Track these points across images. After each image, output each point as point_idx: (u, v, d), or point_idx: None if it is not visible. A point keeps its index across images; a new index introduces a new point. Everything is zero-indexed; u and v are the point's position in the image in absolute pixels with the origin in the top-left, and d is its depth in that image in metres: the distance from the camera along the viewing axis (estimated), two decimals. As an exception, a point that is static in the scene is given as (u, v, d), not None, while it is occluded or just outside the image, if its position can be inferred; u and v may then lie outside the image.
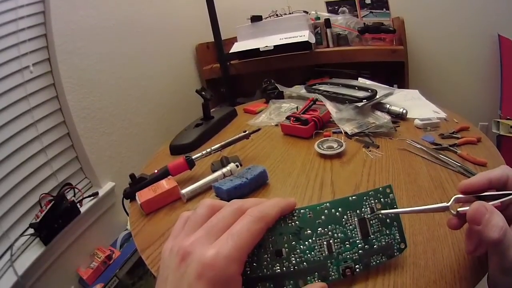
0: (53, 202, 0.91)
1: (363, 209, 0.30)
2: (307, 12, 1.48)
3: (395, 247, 0.30)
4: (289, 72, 1.57)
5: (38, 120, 0.96)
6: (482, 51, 1.53)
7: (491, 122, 1.33)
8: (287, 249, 0.27)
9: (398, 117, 0.74)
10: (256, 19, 1.49)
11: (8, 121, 0.88)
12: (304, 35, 1.35)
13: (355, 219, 0.29)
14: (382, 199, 0.30)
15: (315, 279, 0.27)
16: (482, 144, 0.59)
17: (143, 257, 0.42)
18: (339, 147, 0.60)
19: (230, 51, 1.51)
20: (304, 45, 1.37)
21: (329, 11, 1.61)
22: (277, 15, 1.51)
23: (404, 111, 0.73)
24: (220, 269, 0.21)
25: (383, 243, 0.30)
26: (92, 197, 1.07)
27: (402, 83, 1.40)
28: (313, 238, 0.28)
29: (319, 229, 0.28)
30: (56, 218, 0.91)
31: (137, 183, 0.56)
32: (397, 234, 0.30)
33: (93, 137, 1.11)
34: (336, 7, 1.59)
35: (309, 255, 0.27)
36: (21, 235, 0.87)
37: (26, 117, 0.93)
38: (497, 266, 0.26)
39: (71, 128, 1.06)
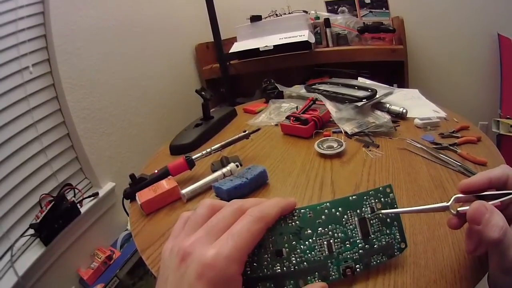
0: (53, 202, 0.91)
1: (363, 208, 0.30)
2: (306, 12, 1.48)
3: (395, 247, 0.30)
4: (289, 71, 1.57)
5: (38, 121, 0.96)
6: (481, 50, 1.53)
7: (491, 121, 1.33)
8: (287, 249, 0.27)
9: (398, 117, 0.74)
10: (255, 19, 1.49)
11: (8, 122, 0.88)
12: (303, 34, 1.35)
13: (356, 218, 0.29)
14: (382, 199, 0.30)
15: (316, 279, 0.27)
16: (482, 144, 0.59)
17: (144, 258, 0.42)
18: (339, 146, 0.60)
19: (230, 51, 1.50)
20: (304, 44, 1.37)
21: (328, 11, 1.61)
22: (276, 15, 1.51)
23: (404, 111, 0.73)
24: (220, 269, 0.21)
25: (384, 242, 0.30)
26: (92, 198, 1.07)
27: (402, 83, 1.40)
28: (314, 238, 0.28)
29: (319, 229, 0.28)
30: (56, 219, 0.91)
31: (137, 183, 0.56)
32: (398, 234, 0.30)
33: (93, 137, 1.11)
34: (336, 7, 1.59)
35: (309, 255, 0.27)
36: (22, 235, 0.87)
37: (26, 118, 0.93)
38: (497, 265, 0.26)
39: (71, 128, 1.05)
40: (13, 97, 0.90)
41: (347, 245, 0.29)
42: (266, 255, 0.26)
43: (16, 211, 0.88)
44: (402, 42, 1.38)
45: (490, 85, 1.55)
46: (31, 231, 0.88)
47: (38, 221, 0.88)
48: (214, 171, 0.57)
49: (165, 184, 0.53)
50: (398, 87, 1.03)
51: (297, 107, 0.81)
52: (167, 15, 1.54)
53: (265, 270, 0.26)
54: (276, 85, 0.97)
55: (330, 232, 0.28)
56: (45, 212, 0.89)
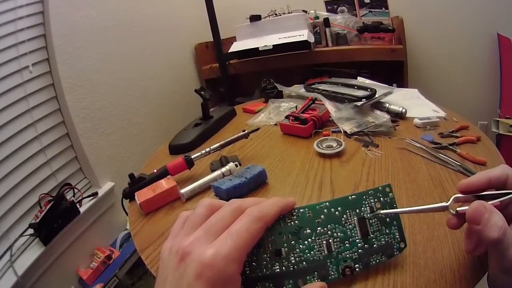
0: (52, 202, 0.91)
1: (362, 208, 0.30)
2: (306, 12, 1.48)
3: (394, 247, 0.30)
4: (288, 71, 1.57)
5: (37, 120, 0.96)
6: (481, 50, 1.53)
7: (491, 121, 1.33)
8: (286, 249, 0.27)
9: (398, 116, 0.74)
10: (255, 18, 1.49)
11: (7, 121, 0.88)
12: (303, 34, 1.35)
13: (355, 218, 0.29)
14: (381, 198, 0.30)
15: (315, 278, 0.27)
16: (481, 143, 0.59)
17: (143, 257, 0.42)
18: (338, 146, 0.60)
19: (229, 51, 1.50)
20: (303, 44, 1.37)
21: (328, 11, 1.61)
22: (276, 14, 1.51)
23: (404, 110, 0.73)
24: (219, 269, 0.21)
25: (383, 242, 0.30)
26: (91, 197, 1.07)
27: (401, 82, 1.40)
28: (313, 238, 0.28)
29: (319, 228, 0.28)
30: (56, 218, 0.91)
31: (137, 183, 0.56)
32: (397, 234, 0.30)
33: (92, 137, 1.11)
34: (335, 7, 1.59)
35: (308, 254, 0.27)
36: (21, 235, 0.87)
37: (26, 117, 0.93)
38: (497, 265, 0.26)
39: (70, 128, 1.05)
40: (12, 97, 0.90)
41: (347, 245, 0.28)
42: (265, 255, 0.26)
43: (16, 211, 0.88)
44: (401, 42, 1.38)
45: (490, 85, 1.55)
46: (31, 231, 0.88)
47: (38, 220, 0.88)
48: (213, 170, 0.57)
49: (164, 184, 0.53)
50: (398, 86, 1.03)
51: (296, 106, 0.81)
52: (166, 15, 1.54)
53: (264, 269, 0.26)
54: (276, 84, 0.97)
55: (329, 232, 0.28)
56: (44, 212, 0.88)
